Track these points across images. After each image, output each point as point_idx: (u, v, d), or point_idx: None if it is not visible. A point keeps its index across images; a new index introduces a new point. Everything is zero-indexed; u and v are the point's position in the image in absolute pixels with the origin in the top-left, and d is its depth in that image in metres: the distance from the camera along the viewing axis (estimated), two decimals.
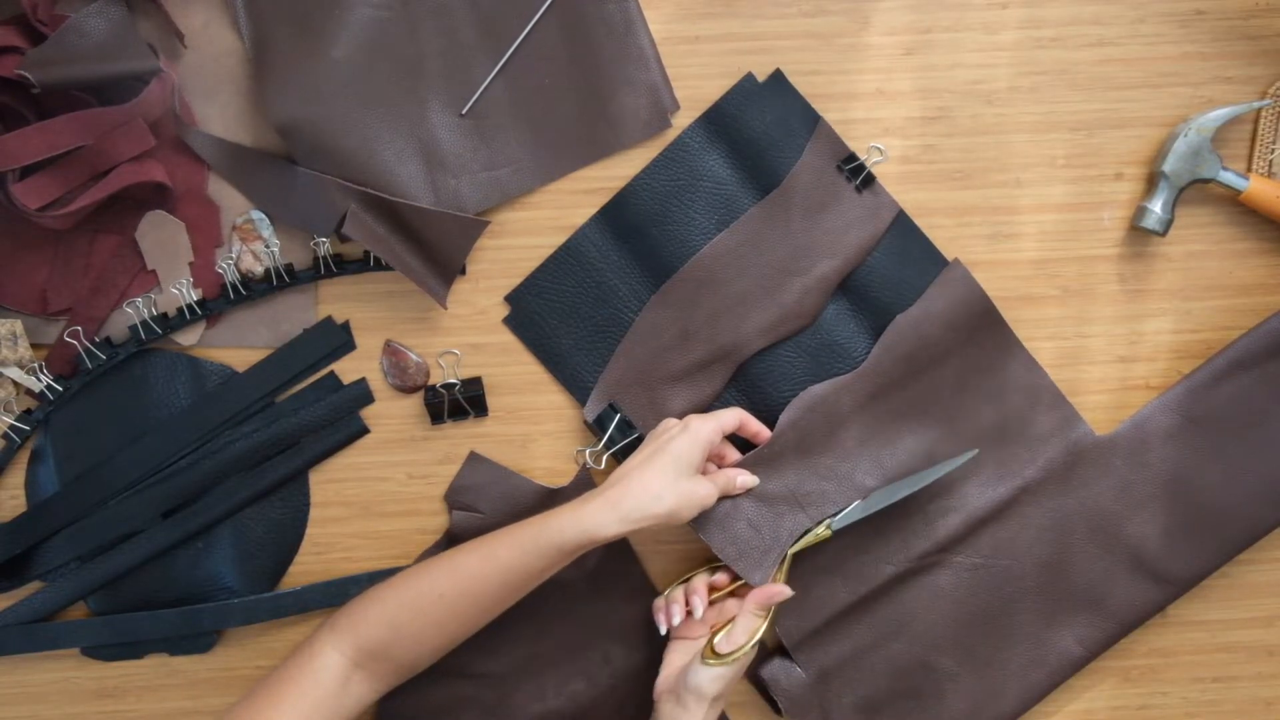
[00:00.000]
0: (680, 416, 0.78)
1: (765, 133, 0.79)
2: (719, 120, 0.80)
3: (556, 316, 0.80)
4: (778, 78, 0.79)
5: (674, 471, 0.71)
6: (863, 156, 0.79)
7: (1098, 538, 0.81)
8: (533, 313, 0.80)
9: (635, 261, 0.80)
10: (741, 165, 0.80)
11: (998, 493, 0.81)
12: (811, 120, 0.80)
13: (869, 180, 0.80)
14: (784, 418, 0.79)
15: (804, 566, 0.80)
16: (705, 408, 0.80)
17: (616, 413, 0.79)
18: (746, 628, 0.73)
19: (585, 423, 0.80)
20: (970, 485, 0.81)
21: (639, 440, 0.79)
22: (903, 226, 0.81)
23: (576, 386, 0.80)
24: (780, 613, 0.80)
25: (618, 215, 0.80)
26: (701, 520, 0.75)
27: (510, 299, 0.80)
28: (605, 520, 0.69)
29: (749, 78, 0.79)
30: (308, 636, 0.73)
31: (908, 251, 0.81)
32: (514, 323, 0.80)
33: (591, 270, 0.80)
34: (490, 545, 0.71)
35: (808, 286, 0.79)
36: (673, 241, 0.80)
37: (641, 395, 0.79)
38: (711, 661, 0.71)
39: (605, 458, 0.79)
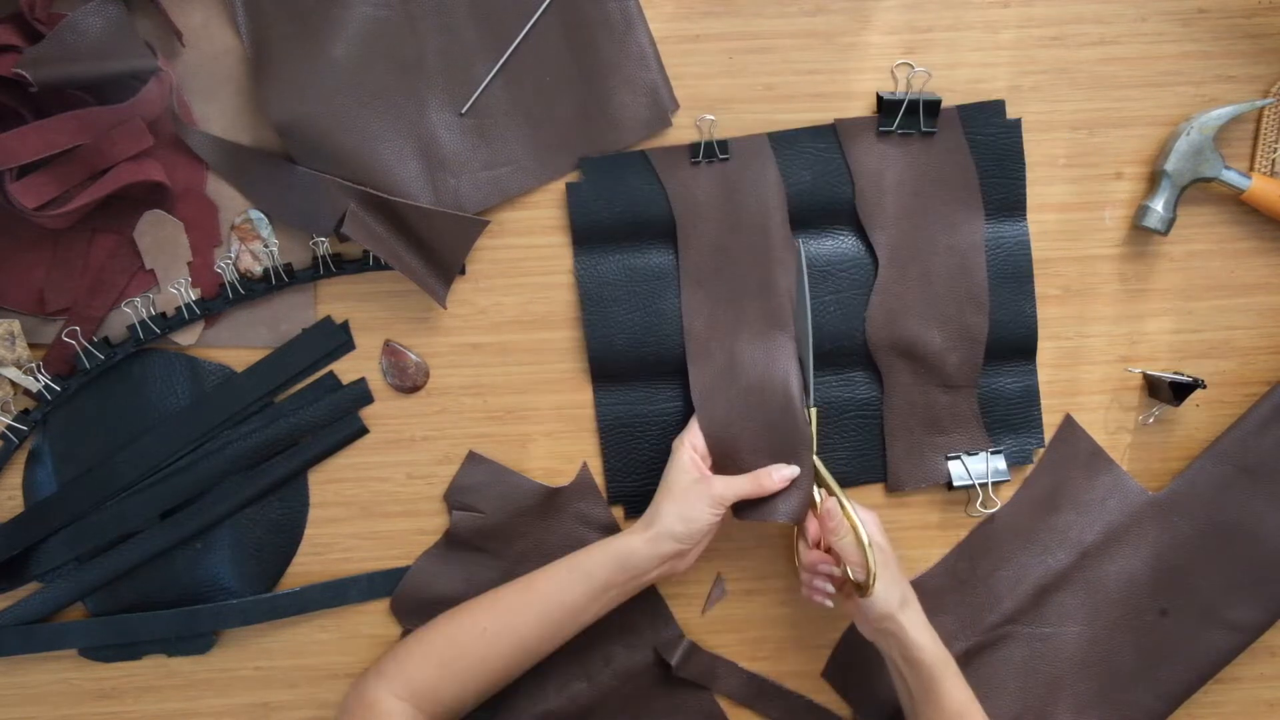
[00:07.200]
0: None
1: (624, 207, 0.79)
2: (585, 232, 0.79)
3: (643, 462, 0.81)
4: (589, 165, 0.79)
5: (678, 490, 0.73)
6: (698, 137, 0.79)
7: (1164, 594, 0.81)
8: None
9: (651, 386, 0.81)
10: (638, 244, 0.80)
11: (1058, 560, 0.81)
12: (646, 160, 0.79)
13: (724, 146, 0.79)
14: (872, 338, 0.80)
15: (874, 647, 0.80)
16: (792, 378, 0.78)
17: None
18: (849, 550, 0.73)
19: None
20: (1028, 555, 0.82)
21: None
22: (781, 141, 0.79)
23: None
24: (858, 700, 0.83)
25: (610, 392, 0.81)
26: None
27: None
28: (634, 542, 0.73)
29: (571, 187, 0.79)
30: (353, 690, 0.72)
31: (804, 153, 0.80)
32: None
33: (638, 427, 0.81)
34: (529, 577, 0.74)
35: (771, 245, 0.79)
36: (661, 343, 0.80)
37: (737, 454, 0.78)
38: (868, 592, 0.71)
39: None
